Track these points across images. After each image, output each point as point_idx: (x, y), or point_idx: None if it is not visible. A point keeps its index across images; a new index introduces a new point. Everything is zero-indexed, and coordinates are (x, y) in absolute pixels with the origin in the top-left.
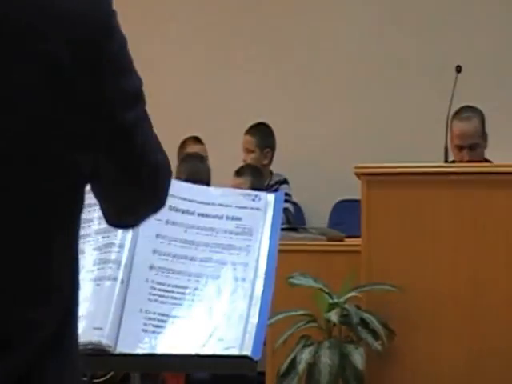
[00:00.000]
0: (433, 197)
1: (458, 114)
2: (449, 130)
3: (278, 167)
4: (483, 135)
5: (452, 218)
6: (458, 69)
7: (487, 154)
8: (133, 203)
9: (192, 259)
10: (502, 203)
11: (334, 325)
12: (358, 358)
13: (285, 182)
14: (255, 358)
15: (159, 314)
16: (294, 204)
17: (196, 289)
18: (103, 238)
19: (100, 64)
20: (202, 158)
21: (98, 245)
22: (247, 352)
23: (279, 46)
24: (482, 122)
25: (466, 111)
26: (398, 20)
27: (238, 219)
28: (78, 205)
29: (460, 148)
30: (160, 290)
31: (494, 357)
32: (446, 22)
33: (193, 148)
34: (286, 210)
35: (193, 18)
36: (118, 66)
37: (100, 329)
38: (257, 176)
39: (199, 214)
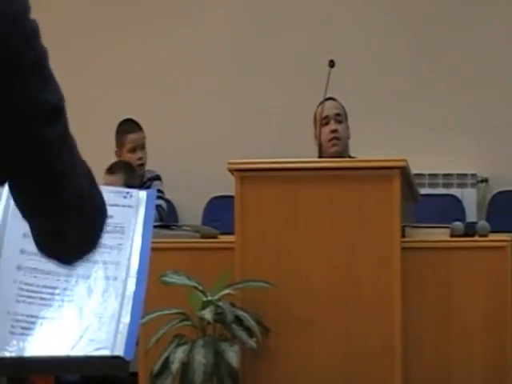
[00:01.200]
0: (306, 192)
1: (319, 104)
2: (317, 125)
3: (149, 163)
4: (346, 119)
5: (326, 214)
6: (331, 63)
7: (356, 149)
8: (58, 235)
9: None
10: (374, 198)
11: (208, 323)
12: (232, 355)
13: (157, 178)
14: (127, 359)
15: (27, 316)
16: (167, 201)
17: (66, 289)
18: None
19: (5, 65)
20: None
21: None
22: (119, 352)
23: (149, 43)
24: (344, 108)
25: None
26: (270, 15)
27: (109, 217)
28: None
29: (326, 123)
30: (28, 290)
31: (369, 352)
32: (318, 16)
33: None
34: (158, 207)
35: (60, 14)
36: (34, 74)
37: None
38: (130, 172)
39: None
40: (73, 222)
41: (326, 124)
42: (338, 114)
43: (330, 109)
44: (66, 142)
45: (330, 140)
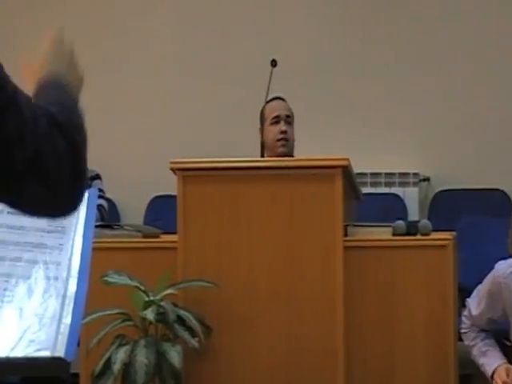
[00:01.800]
0: (249, 192)
1: (269, 101)
2: (264, 123)
3: (91, 162)
4: (293, 122)
5: (268, 213)
6: (274, 63)
7: (298, 149)
8: (22, 196)
9: (1, 259)
10: (317, 197)
11: (150, 323)
12: (174, 355)
13: (97, 177)
14: (68, 360)
15: None
16: (108, 200)
17: (5, 289)
18: None
19: None
20: None
21: None
22: (60, 353)
23: (93, 41)
24: (292, 111)
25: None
26: (214, 15)
27: None
28: None
29: (276, 122)
30: None
31: (311, 351)
32: (260, 15)
33: None
34: (99, 206)
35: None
36: None
37: None
38: None
39: (8, 212)
40: (37, 184)
41: (276, 123)
42: (288, 116)
43: (281, 109)
44: (10, 108)
45: (279, 140)
